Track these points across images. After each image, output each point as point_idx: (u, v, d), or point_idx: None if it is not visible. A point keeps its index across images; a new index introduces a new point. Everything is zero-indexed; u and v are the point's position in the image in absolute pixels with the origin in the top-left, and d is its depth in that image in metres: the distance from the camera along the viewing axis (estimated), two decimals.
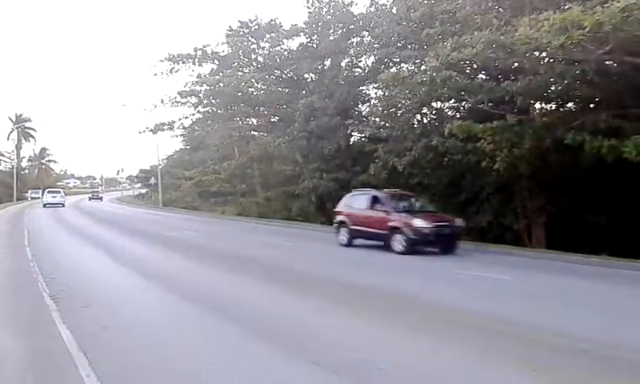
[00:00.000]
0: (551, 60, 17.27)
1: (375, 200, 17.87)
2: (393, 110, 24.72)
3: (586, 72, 16.09)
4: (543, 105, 21.11)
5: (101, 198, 79.97)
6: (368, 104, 31.44)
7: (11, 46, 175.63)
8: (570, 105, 20.47)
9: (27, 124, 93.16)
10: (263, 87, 35.30)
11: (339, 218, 19.12)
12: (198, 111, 38.61)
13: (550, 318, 8.14)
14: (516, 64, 17.88)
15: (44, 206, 53.35)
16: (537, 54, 16.77)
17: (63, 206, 53.64)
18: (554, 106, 20.88)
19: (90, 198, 77.48)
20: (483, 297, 10.06)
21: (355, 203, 18.77)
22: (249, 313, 8.46)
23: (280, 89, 35.54)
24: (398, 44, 25.75)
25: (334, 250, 18.21)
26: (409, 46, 24.79)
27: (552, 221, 20.81)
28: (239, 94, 33.95)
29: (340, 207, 19.54)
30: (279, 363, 5.98)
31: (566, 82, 17.20)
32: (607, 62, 16.28)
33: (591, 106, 18.91)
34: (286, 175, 38.93)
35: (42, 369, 5.90)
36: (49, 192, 59.12)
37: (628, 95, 16.73)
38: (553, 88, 18.40)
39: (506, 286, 11.50)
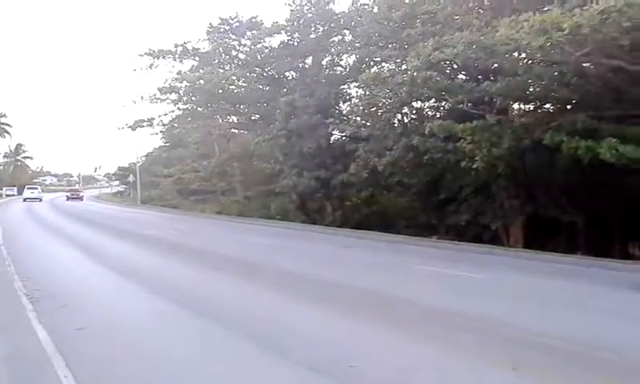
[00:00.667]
0: (530, 61, 17.50)
1: None
2: (374, 109, 24.84)
3: (564, 74, 16.33)
4: (522, 106, 21.40)
5: (81, 198, 64.88)
6: (349, 103, 31.54)
7: None
8: (547, 106, 20.76)
9: (2, 119, 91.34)
10: (244, 85, 35.22)
11: None
12: (178, 108, 38.46)
13: (527, 317, 8.20)
14: (495, 65, 18.09)
15: (24, 200, 59.03)
16: (516, 55, 16.98)
17: (40, 200, 59.21)
18: (532, 107, 21.17)
19: (67, 198, 63.33)
20: (459, 295, 10.11)
21: None
22: (227, 310, 8.40)
23: (261, 86, 35.47)
24: (379, 43, 25.83)
25: None
26: (389, 46, 24.88)
27: (530, 220, 21.10)
28: (220, 91, 33.84)
29: None
30: (257, 361, 5.97)
31: (544, 83, 17.43)
32: (585, 64, 16.54)
33: (568, 107, 19.19)
34: (266, 174, 38.83)
35: (19, 370, 5.77)
36: (28, 188, 66.31)
37: (604, 97, 17.02)
38: (531, 89, 18.64)
39: (481, 285, 11.59)
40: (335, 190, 30.26)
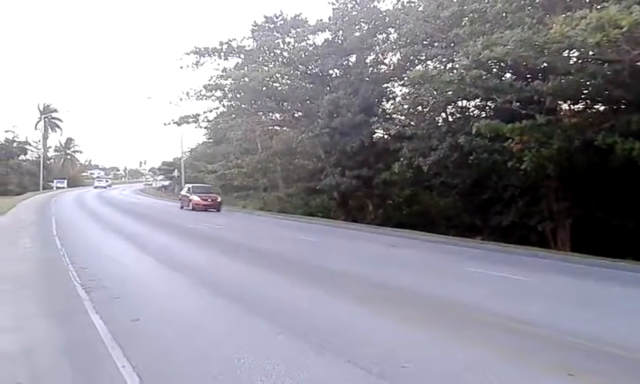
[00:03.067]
0: (582, 60, 17.05)
1: None
2: (419, 108, 24.60)
3: (618, 72, 15.83)
4: (571, 105, 20.87)
5: (218, 206, 35.07)
6: (393, 102, 31.34)
7: (39, 37, 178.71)
8: (599, 106, 20.19)
9: (54, 114, 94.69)
10: (288, 82, 35.37)
11: None
12: (223, 105, 38.82)
13: (579, 322, 8.01)
14: (545, 64, 17.69)
15: (95, 188, 78.54)
16: (567, 53, 16.56)
17: (107, 187, 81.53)
18: (582, 107, 20.62)
19: (192, 205, 34.38)
20: (508, 298, 9.94)
21: None
22: (275, 306, 8.49)
23: (304, 84, 35.57)
24: (425, 42, 25.56)
25: None
26: (435, 44, 24.59)
27: (578, 223, 20.56)
28: (264, 88, 34.09)
29: None
30: (307, 360, 6.02)
31: (597, 82, 16.93)
32: None
33: (622, 107, 18.59)
34: (309, 171, 39.06)
35: (80, 358, 5.97)
36: (98, 180, 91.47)
37: None
38: (583, 89, 18.13)
39: (530, 288, 11.37)
40: (377, 189, 30.19)
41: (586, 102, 20.36)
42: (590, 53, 15.49)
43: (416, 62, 27.11)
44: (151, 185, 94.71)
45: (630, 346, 6.71)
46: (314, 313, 8.26)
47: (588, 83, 17.55)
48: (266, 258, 14.55)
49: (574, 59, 17.86)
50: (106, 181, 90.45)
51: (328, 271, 12.63)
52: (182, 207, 36.13)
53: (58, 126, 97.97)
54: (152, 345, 6.48)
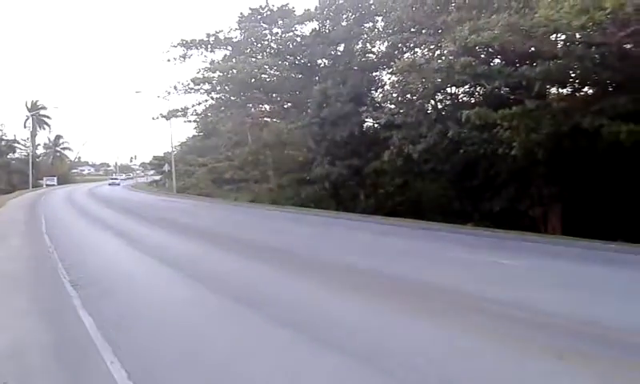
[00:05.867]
0: (569, 44, 17.03)
1: None
2: (408, 95, 24.55)
3: (605, 56, 15.82)
4: (559, 90, 20.87)
5: None
6: (382, 90, 31.28)
7: (25, 34, 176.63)
8: (587, 89, 20.19)
9: (42, 111, 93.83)
10: (276, 73, 35.26)
11: None
12: (212, 97, 38.69)
13: (569, 305, 8.02)
14: (532, 49, 17.65)
15: (109, 184, 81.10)
16: (555, 37, 16.53)
17: (119, 184, 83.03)
18: (570, 91, 20.63)
19: None
20: (498, 283, 9.96)
21: None
22: (264, 299, 8.46)
23: (293, 75, 35.50)
24: (412, 29, 25.49)
25: None
26: (423, 31, 24.53)
27: (568, 207, 20.64)
28: (252, 80, 33.96)
29: None
30: (298, 350, 6.00)
31: (584, 66, 16.92)
32: (627, 46, 16.00)
33: (610, 90, 18.61)
34: (299, 162, 38.96)
35: (68, 356, 5.94)
36: (111, 178, 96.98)
37: None
38: (571, 72, 18.12)
39: (519, 272, 11.39)
40: (368, 178, 30.16)
41: (574, 86, 20.35)
42: (577, 36, 15.47)
43: (404, 49, 27.02)
44: (121, 181, 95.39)
45: (620, 328, 6.74)
46: (303, 303, 8.23)
47: (576, 67, 17.53)
48: (257, 251, 14.45)
49: (562, 43, 17.83)
50: (117, 179, 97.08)
51: (319, 261, 12.57)
52: None
53: (47, 124, 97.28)
54: (141, 340, 6.45)
